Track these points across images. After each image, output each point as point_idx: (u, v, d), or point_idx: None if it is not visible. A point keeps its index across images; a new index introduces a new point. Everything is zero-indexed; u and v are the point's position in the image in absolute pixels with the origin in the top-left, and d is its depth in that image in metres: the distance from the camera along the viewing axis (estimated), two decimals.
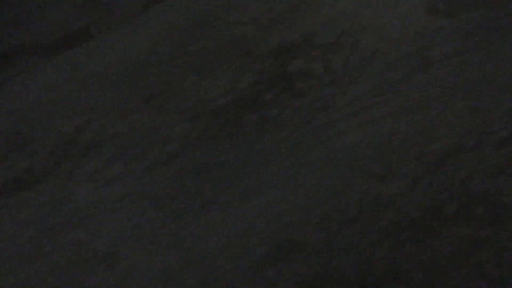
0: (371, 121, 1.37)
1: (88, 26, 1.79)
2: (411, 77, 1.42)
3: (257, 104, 1.48)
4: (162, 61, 1.65)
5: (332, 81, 1.47)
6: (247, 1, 1.68)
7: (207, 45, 1.64)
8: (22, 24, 1.86)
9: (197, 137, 1.46)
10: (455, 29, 1.47)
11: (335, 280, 1.16)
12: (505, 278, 1.11)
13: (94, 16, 1.80)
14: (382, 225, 1.21)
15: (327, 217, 1.24)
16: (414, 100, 1.38)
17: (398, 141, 1.32)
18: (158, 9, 1.78)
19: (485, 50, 1.41)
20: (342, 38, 1.53)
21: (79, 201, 1.41)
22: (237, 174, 1.36)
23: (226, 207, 1.32)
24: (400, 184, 1.25)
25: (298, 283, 1.18)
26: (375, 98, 1.41)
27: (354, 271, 1.17)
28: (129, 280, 1.26)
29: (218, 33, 1.65)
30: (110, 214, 1.37)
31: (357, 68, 1.47)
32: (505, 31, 1.42)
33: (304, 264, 1.20)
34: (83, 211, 1.39)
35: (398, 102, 1.39)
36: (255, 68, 1.55)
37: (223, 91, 1.53)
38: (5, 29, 1.86)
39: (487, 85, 1.35)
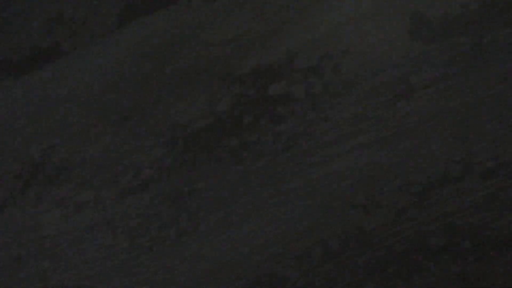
0: (353, 149, 1.36)
1: (58, 43, 1.75)
2: (393, 103, 1.41)
3: (235, 128, 1.45)
4: (135, 82, 1.62)
5: (313, 106, 1.45)
6: (226, 21, 1.66)
7: (184, 65, 1.61)
8: None
9: (172, 163, 1.43)
10: (439, 55, 1.46)
11: None
12: None
13: (64, 33, 1.77)
14: (366, 259, 1.18)
15: (308, 250, 1.22)
16: (397, 128, 1.37)
17: (381, 171, 1.30)
18: (133, 27, 1.75)
19: (469, 76, 1.41)
20: (324, 61, 1.52)
21: (46, 230, 1.38)
22: (214, 203, 1.33)
23: (202, 237, 1.29)
24: (384, 216, 1.23)
25: None
26: (357, 125, 1.40)
27: None
28: None
29: (195, 53, 1.63)
30: (79, 244, 1.34)
31: (339, 93, 1.46)
32: (490, 57, 1.42)
33: None
34: (50, 240, 1.36)
35: (380, 129, 1.38)
36: (233, 90, 1.53)
37: (200, 114, 1.50)
38: None
39: (472, 113, 1.35)
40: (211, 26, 1.67)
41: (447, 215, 1.20)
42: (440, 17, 1.44)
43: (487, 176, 1.24)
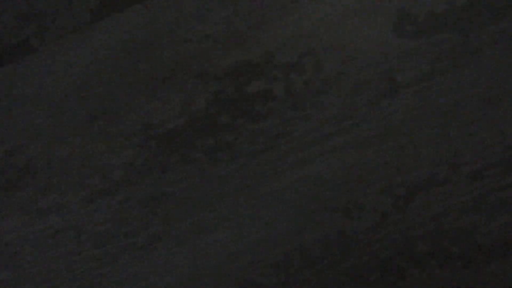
0: (335, 150, 1.33)
1: (28, 39, 1.71)
2: (377, 102, 1.38)
3: (211, 128, 1.41)
4: (107, 80, 1.57)
5: (293, 105, 1.41)
6: (203, 17, 1.63)
7: (158, 63, 1.57)
8: None
9: (143, 165, 1.38)
10: (424, 52, 1.44)
11: None
12: None
13: (35, 28, 1.72)
14: (349, 265, 1.14)
15: (288, 256, 1.18)
16: (380, 128, 1.35)
17: (364, 172, 1.27)
18: (106, 23, 1.71)
19: (455, 74, 1.39)
20: (305, 58, 1.49)
21: (6, 236, 1.33)
22: (188, 207, 1.30)
23: (175, 244, 1.25)
24: (367, 220, 1.20)
25: None
26: (339, 124, 1.37)
27: None
28: None
29: (170, 50, 1.59)
30: (42, 252, 1.29)
31: (320, 91, 1.42)
32: (476, 54, 1.39)
33: None
34: (11, 247, 1.31)
35: (363, 129, 1.35)
36: (210, 89, 1.49)
37: (174, 114, 1.46)
38: None
39: (458, 112, 1.33)
40: (188, 22, 1.63)
41: (434, 218, 1.17)
42: (426, 13, 1.42)
43: (475, 178, 1.22)
